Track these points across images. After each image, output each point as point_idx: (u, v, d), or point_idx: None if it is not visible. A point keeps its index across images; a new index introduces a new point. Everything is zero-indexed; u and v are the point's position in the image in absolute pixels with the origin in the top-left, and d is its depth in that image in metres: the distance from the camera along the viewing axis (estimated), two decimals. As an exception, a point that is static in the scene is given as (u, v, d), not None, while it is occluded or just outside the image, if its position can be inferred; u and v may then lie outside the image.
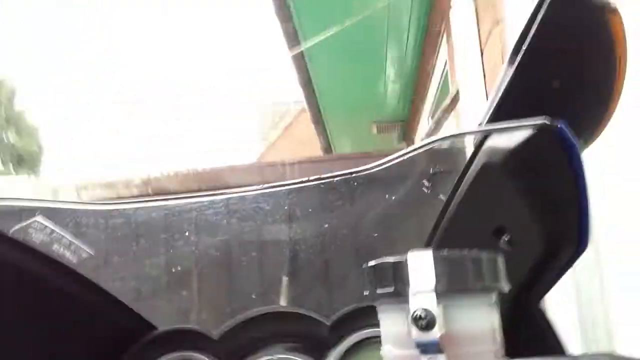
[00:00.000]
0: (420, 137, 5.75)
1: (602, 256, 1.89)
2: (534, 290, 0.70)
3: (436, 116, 3.63)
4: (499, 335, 0.44)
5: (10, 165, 18.02)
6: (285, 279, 0.98)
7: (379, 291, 0.43)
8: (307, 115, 7.04)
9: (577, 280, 2.03)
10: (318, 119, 6.68)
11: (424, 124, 5.63)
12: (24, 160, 18.39)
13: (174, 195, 3.21)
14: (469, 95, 2.98)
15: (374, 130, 6.88)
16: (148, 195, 3.37)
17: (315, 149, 8.85)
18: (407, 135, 7.16)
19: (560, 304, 2.11)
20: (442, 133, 4.12)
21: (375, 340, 0.88)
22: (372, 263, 0.44)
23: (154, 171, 3.49)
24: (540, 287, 0.70)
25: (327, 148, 8.02)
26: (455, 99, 3.43)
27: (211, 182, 3.44)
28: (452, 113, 3.63)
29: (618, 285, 1.86)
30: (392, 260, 0.42)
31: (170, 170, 3.46)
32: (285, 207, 0.88)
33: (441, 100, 4.15)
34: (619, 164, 1.67)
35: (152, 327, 0.95)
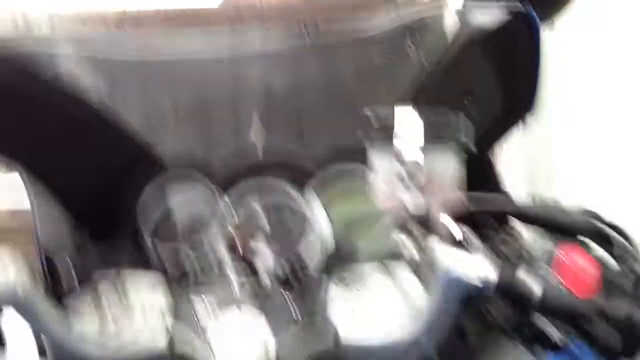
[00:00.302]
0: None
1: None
2: (487, 140, 0.85)
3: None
4: (458, 173, 0.59)
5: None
6: (256, 119, 1.10)
7: (374, 136, 0.56)
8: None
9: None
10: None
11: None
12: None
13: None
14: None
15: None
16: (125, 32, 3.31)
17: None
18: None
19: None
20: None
21: (350, 173, 1.02)
22: (368, 111, 0.57)
23: (129, 7, 3.37)
24: (492, 139, 0.85)
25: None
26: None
27: (188, 20, 3.37)
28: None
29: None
30: (384, 113, 0.55)
31: (148, 7, 3.34)
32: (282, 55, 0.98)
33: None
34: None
35: (159, 158, 1.08)
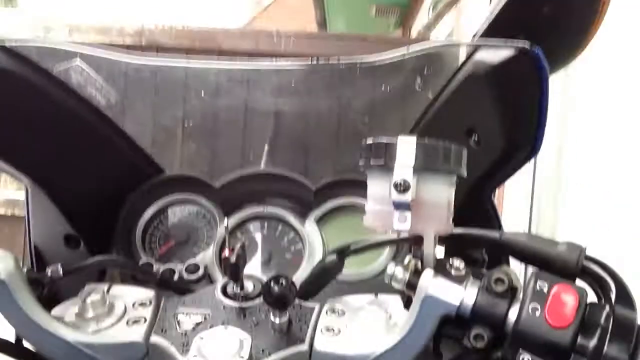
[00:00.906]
0: (418, 29, 5.67)
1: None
2: (489, 182, 0.86)
3: (438, 8, 3.60)
4: (451, 207, 0.60)
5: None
6: (266, 147, 1.11)
7: (372, 162, 0.57)
8: (306, -16, 6.79)
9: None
10: (317, -10, 6.47)
11: (424, 13, 5.54)
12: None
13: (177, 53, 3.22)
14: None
15: (372, 11, 6.73)
16: (141, 46, 3.37)
17: (308, 20, 8.63)
18: (405, 22, 7.03)
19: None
20: (441, 27, 4.11)
21: (351, 208, 1.05)
22: (369, 141, 0.58)
23: (147, 22, 3.43)
24: (494, 180, 0.86)
25: (322, 23, 7.83)
26: (459, -6, 3.40)
27: (204, 42, 3.42)
28: (454, 8, 3.61)
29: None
30: (385, 141, 0.56)
31: (164, 24, 3.41)
32: (293, 83, 0.99)
33: (445, -7, 4.07)
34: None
35: (161, 171, 1.09)
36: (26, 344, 0.64)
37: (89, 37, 3.26)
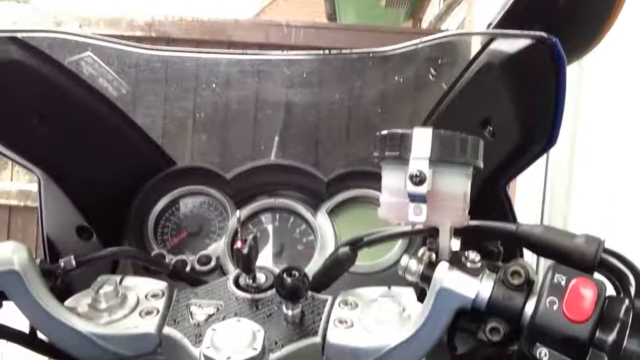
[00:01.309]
0: (429, 19, 5.62)
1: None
2: (503, 174, 0.85)
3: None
4: (467, 199, 0.59)
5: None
6: (277, 138, 1.11)
7: (387, 154, 0.56)
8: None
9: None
10: (327, -19, 6.43)
11: (435, 4, 5.49)
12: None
13: (180, 43, 3.23)
14: (485, -16, 2.93)
15: (383, 3, 6.68)
16: (151, 38, 3.37)
17: (318, 13, 8.59)
18: (415, 14, 6.97)
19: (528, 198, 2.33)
20: (452, 19, 4.07)
21: (363, 200, 1.04)
22: (384, 132, 0.57)
23: (157, 14, 3.43)
24: (509, 173, 0.85)
25: (332, 14, 7.79)
26: (471, -15, 3.36)
27: (214, 33, 3.42)
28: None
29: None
30: (400, 132, 0.55)
31: (174, 15, 3.41)
32: (304, 75, 0.98)
33: (457, -17, 4.03)
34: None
35: (173, 163, 1.09)
36: (40, 334, 0.65)
37: (99, 30, 3.27)
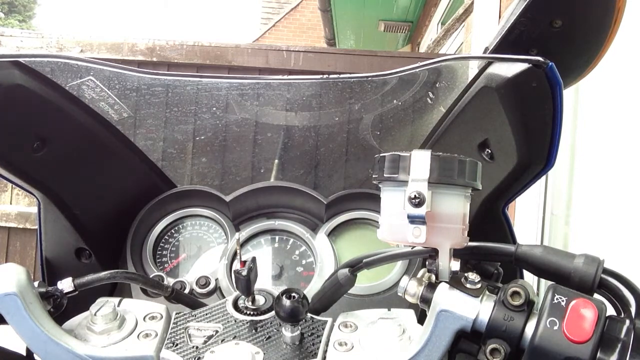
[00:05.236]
0: (427, 44, 5.69)
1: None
2: (502, 196, 0.85)
3: (447, 24, 3.61)
4: (466, 220, 0.59)
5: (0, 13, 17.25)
6: (277, 161, 1.11)
7: (386, 176, 0.57)
8: (314, 1, 6.84)
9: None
10: (326, 7, 6.52)
11: (433, 29, 5.57)
12: (16, 9, 17.61)
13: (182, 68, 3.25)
14: (482, 10, 2.98)
15: (381, 28, 6.77)
16: (152, 62, 3.40)
17: (318, 37, 8.69)
18: (413, 38, 7.06)
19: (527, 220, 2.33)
20: (450, 43, 4.12)
21: (362, 222, 1.04)
22: (383, 154, 0.58)
23: (158, 39, 3.47)
24: (508, 194, 0.85)
25: (331, 40, 7.89)
26: (468, 11, 3.41)
27: (215, 58, 3.46)
28: (463, 24, 3.62)
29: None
30: (399, 154, 0.56)
31: (175, 40, 3.45)
32: (304, 98, 0.99)
33: (454, 9, 4.10)
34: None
35: (172, 185, 1.09)
36: (37, 357, 0.64)
37: (101, 55, 3.30)
